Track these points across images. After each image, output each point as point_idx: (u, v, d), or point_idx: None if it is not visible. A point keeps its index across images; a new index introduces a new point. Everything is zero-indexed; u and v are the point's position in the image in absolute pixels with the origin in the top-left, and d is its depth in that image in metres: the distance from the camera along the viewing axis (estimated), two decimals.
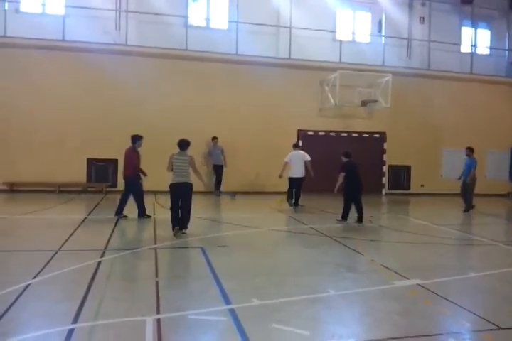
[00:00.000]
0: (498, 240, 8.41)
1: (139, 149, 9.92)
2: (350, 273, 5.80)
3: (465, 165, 12.71)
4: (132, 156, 9.61)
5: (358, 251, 7.02)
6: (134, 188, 9.63)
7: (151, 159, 15.11)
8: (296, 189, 12.42)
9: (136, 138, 9.74)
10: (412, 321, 4.20)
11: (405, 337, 3.85)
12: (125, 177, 9.74)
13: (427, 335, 3.90)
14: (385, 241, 8.50)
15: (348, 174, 9.73)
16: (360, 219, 9.82)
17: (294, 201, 12.45)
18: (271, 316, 4.15)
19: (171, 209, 7.97)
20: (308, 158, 12.44)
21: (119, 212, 9.67)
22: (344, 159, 9.97)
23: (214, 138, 15.02)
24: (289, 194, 12.60)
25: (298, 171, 12.35)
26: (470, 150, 12.67)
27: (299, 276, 5.64)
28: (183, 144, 8.09)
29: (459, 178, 12.80)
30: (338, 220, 10.01)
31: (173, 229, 7.87)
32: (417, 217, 11.44)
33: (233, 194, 14.59)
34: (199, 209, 11.42)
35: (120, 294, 4.70)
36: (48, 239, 7.48)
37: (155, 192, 14.02)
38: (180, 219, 7.94)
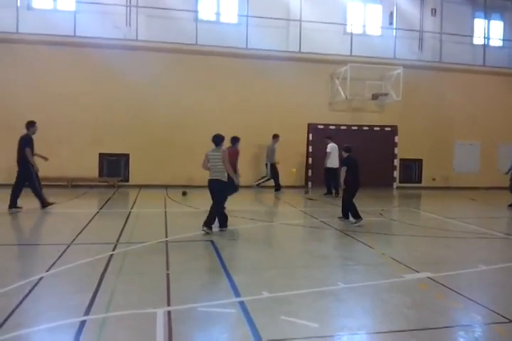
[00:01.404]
0: (511, 233, 8.34)
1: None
2: (360, 267, 5.79)
3: None
4: (232, 155, 10.10)
5: (368, 245, 7.01)
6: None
7: (162, 154, 15.22)
8: (334, 179, 13.13)
9: (235, 139, 10.37)
10: (423, 314, 4.19)
11: (416, 329, 3.85)
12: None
13: (437, 328, 3.90)
14: (396, 234, 8.47)
15: (349, 170, 9.21)
16: (346, 216, 9.17)
17: (328, 192, 13.47)
18: (280, 308, 4.17)
19: (216, 207, 7.78)
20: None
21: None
22: (344, 154, 9.52)
23: (276, 136, 14.72)
24: (329, 184, 13.53)
25: (337, 162, 13.27)
26: None
27: (309, 269, 5.65)
28: (218, 140, 7.81)
29: (507, 172, 12.61)
30: (340, 218, 9.29)
31: (220, 227, 7.82)
32: (429, 211, 11.37)
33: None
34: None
35: (131, 287, 4.75)
36: (61, 232, 7.59)
37: (166, 186, 14.15)
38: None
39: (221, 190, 7.73)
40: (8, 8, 14.20)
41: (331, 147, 13.48)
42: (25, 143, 9.58)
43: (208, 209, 7.76)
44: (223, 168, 7.65)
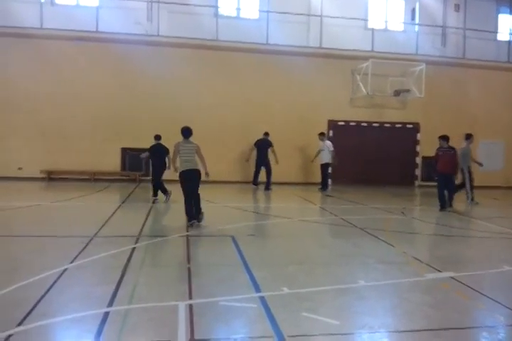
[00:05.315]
0: None
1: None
2: (381, 265, 5.74)
3: None
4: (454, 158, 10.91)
5: (389, 243, 6.94)
6: (451, 183, 10.87)
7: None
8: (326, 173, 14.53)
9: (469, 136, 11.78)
10: (445, 313, 4.13)
11: (437, 329, 3.80)
12: (446, 174, 10.76)
13: (459, 328, 3.85)
14: (418, 233, 8.38)
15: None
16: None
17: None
18: (301, 305, 4.17)
19: (187, 199, 7.79)
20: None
21: (447, 205, 10.69)
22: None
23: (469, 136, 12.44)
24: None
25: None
26: None
27: (329, 266, 5.64)
28: (187, 132, 7.99)
29: None
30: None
31: (189, 221, 7.67)
32: (452, 210, 11.18)
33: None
34: (230, 199, 11.55)
35: (153, 279, 4.81)
36: (85, 225, 7.72)
37: None
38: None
39: (199, 178, 7.90)
40: (32, 4, 14.44)
41: (329, 144, 14.25)
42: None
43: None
44: (196, 159, 7.88)
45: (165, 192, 10.59)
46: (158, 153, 10.63)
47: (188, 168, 7.80)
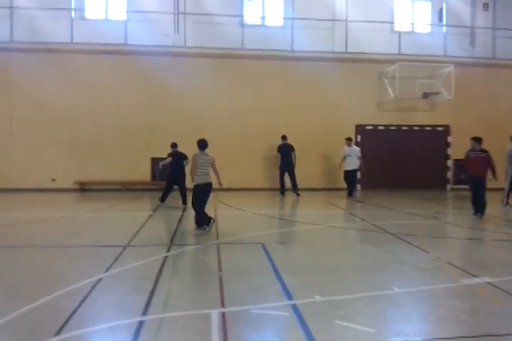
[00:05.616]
0: None
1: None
2: (415, 271, 5.63)
3: None
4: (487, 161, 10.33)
5: (423, 249, 6.80)
6: (482, 187, 10.22)
7: None
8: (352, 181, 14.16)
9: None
10: (481, 320, 4.02)
11: (473, 336, 3.70)
12: (476, 177, 10.24)
13: (496, 335, 3.73)
14: (452, 238, 8.18)
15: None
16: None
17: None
18: (334, 312, 4.12)
19: (202, 209, 8.05)
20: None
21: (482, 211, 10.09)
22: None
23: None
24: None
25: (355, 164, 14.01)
26: None
27: (362, 273, 5.56)
28: (203, 144, 8.14)
29: None
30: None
31: (208, 226, 7.94)
32: (486, 213, 10.88)
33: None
34: (259, 206, 11.57)
35: (186, 288, 4.85)
36: (118, 234, 7.84)
37: (216, 190, 14.30)
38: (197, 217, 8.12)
39: (210, 192, 8.22)
40: (62, 20, 14.89)
41: (357, 150, 13.94)
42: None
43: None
44: (210, 172, 8.10)
45: (164, 198, 11.29)
46: (178, 159, 11.20)
47: (204, 181, 8.03)
